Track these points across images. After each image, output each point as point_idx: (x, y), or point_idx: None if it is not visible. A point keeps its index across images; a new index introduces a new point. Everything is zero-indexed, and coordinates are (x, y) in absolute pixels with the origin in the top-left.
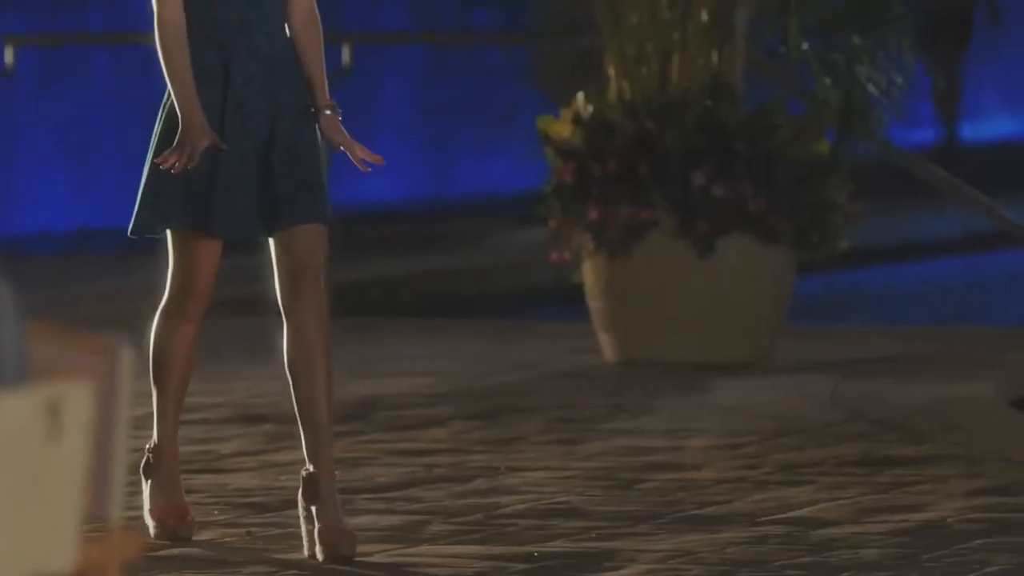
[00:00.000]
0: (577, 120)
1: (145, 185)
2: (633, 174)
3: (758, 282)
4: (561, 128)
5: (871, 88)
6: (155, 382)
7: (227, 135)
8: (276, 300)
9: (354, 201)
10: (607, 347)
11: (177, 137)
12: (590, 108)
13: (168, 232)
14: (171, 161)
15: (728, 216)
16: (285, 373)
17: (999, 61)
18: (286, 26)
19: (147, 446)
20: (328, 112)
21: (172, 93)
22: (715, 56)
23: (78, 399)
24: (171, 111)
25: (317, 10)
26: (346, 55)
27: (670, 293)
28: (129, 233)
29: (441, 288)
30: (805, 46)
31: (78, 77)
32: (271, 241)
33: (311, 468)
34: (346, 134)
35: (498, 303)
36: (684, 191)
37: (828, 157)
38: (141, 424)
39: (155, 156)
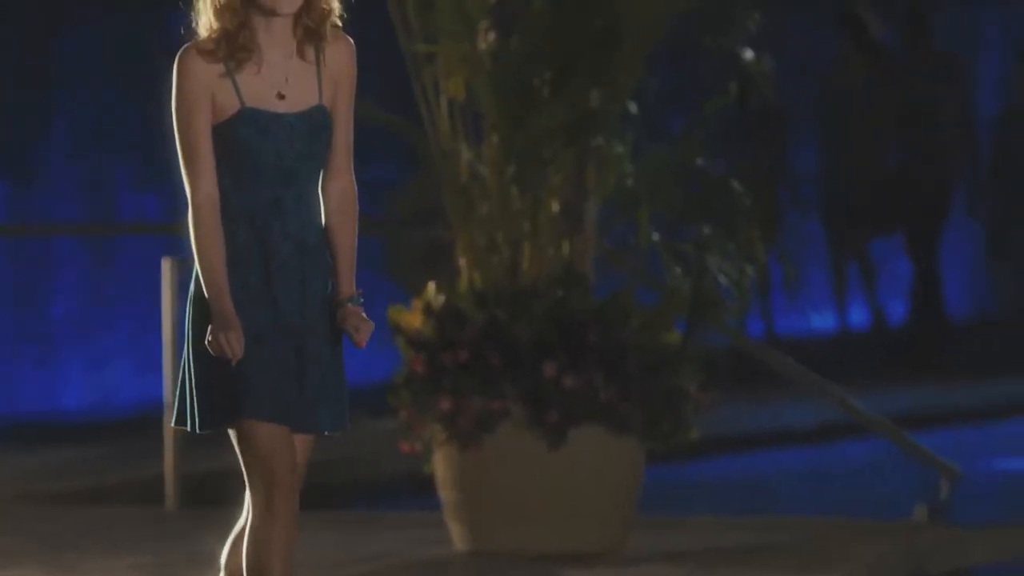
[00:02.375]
0: (428, 310)
1: (193, 379)
2: (484, 364)
3: (609, 472)
4: (412, 318)
5: (721, 278)
6: None
7: (264, 320)
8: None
9: None
10: (458, 537)
11: (209, 330)
12: (441, 298)
13: (230, 430)
14: (219, 354)
15: (579, 406)
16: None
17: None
18: (321, 209)
19: None
20: (351, 304)
21: (202, 282)
22: (566, 246)
23: None
24: (200, 299)
25: (356, 191)
26: None
27: (521, 483)
28: (176, 423)
29: None
30: (655, 236)
31: None
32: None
33: None
34: (363, 321)
35: (350, 494)
36: (535, 381)
37: (679, 347)
38: None
39: (193, 349)
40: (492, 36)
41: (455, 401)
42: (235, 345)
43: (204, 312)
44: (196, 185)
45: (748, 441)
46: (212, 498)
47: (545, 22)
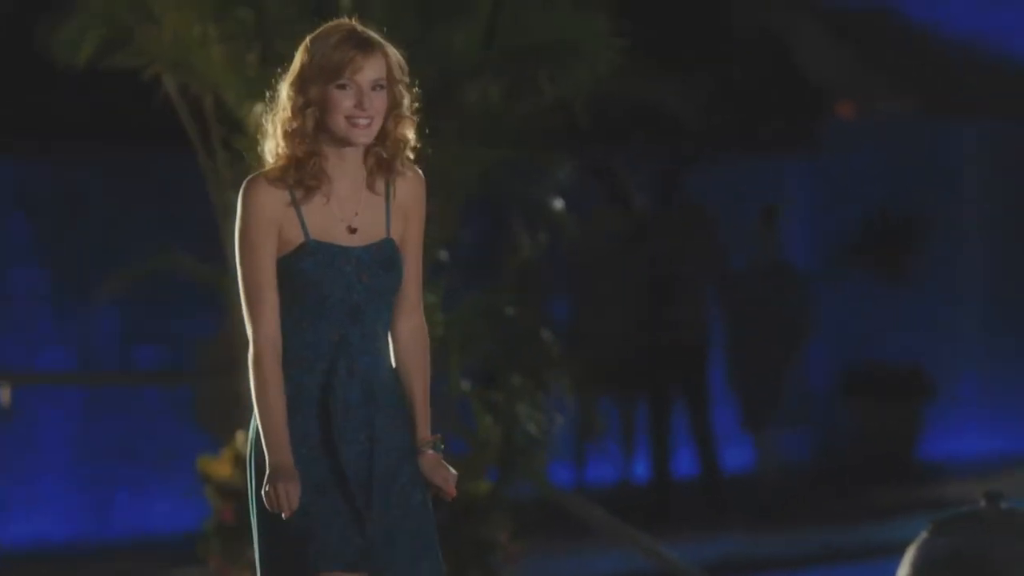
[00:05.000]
0: (237, 459)
1: (257, 534)
2: None
3: None
4: (221, 467)
5: (531, 427)
6: None
7: (324, 469)
8: None
9: (13, 542)
10: None
11: (265, 480)
12: None
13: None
14: (273, 507)
15: None
16: None
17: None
18: (389, 348)
19: None
20: (431, 452)
21: (260, 429)
22: None
23: None
24: (260, 448)
25: (426, 330)
26: (4, 395)
27: None
28: None
29: None
30: (466, 385)
31: None
32: None
33: None
34: (448, 471)
35: None
36: None
37: (488, 496)
38: None
39: (255, 503)
40: None
41: None
42: (292, 498)
43: (263, 461)
44: (258, 326)
45: None
46: None
47: None
